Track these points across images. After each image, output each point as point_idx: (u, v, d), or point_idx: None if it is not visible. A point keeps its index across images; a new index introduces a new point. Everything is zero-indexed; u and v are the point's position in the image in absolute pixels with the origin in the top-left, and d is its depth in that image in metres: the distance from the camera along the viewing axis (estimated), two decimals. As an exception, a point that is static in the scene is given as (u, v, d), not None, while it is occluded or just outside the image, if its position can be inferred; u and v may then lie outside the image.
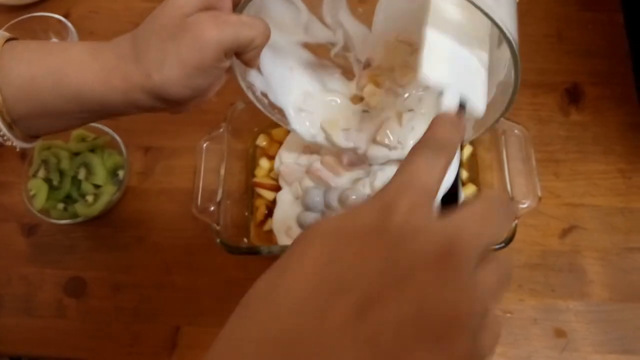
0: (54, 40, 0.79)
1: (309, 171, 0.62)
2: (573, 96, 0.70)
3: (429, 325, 0.24)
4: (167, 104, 0.42)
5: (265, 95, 0.54)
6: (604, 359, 0.58)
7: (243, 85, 0.52)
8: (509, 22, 0.38)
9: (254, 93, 0.53)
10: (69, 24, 0.76)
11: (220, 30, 0.39)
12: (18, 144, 0.41)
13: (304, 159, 0.63)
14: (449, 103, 0.38)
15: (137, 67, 0.40)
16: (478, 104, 0.41)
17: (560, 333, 0.59)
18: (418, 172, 0.28)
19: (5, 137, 0.40)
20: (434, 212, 0.27)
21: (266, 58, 0.51)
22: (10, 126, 0.40)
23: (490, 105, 0.45)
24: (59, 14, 0.77)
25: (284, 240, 0.61)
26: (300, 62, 0.57)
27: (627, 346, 0.58)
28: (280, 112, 0.56)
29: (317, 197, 0.61)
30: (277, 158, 0.65)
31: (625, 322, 0.59)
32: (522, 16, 0.74)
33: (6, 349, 0.65)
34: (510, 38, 0.38)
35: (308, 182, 0.62)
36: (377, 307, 0.24)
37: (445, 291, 0.24)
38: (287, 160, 0.64)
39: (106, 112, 0.43)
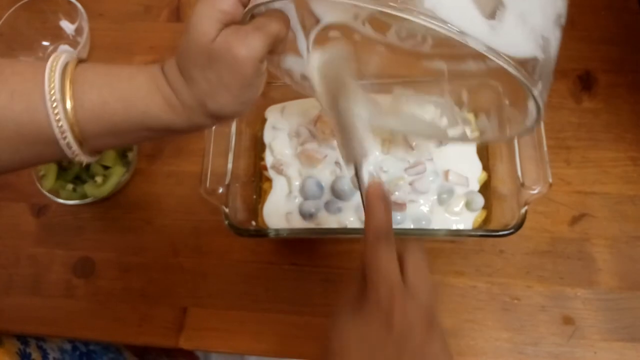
0: (64, 22, 0.79)
1: (300, 154, 0.62)
2: (585, 83, 0.69)
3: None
4: (226, 120, 0.46)
5: (305, 77, 0.53)
6: (611, 347, 0.58)
7: (279, 73, 0.51)
8: (515, 44, 0.35)
9: (292, 78, 0.53)
10: (79, 5, 0.76)
11: (247, 45, 0.39)
12: (85, 159, 0.44)
13: (295, 142, 0.64)
14: (363, 175, 0.47)
15: (192, 98, 0.42)
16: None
17: (567, 320, 0.59)
18: (387, 268, 0.39)
19: (75, 153, 0.43)
20: (406, 295, 0.38)
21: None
22: (80, 143, 0.42)
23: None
24: (68, -5, 0.77)
25: (278, 223, 0.62)
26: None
27: (635, 334, 0.58)
28: None
29: (314, 187, 0.61)
30: (267, 155, 0.65)
31: (633, 311, 0.59)
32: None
33: (15, 328, 0.66)
34: (508, 67, 0.34)
35: (301, 170, 0.63)
36: None
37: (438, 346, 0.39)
38: (277, 149, 0.64)
39: (171, 132, 0.45)
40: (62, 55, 0.43)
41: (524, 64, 0.34)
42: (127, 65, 0.45)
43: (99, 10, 0.81)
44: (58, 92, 0.40)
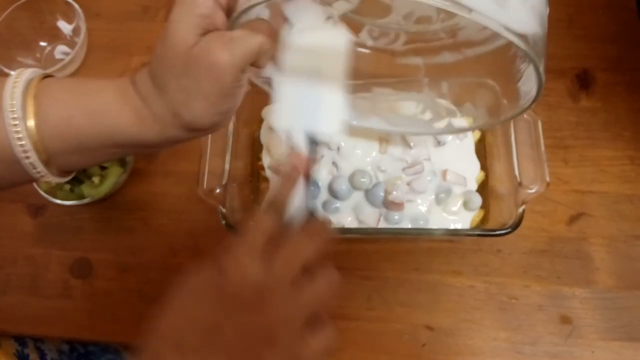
0: (62, 23, 0.79)
1: None
2: (583, 82, 0.69)
3: (255, 338, 0.36)
4: (202, 133, 0.43)
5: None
6: (608, 346, 0.58)
7: (259, 82, 0.51)
8: (520, 20, 0.35)
9: (271, 86, 0.52)
10: (76, 5, 0.76)
11: (229, 51, 0.38)
12: (53, 179, 0.42)
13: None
14: (296, 143, 0.44)
15: (165, 108, 0.40)
16: (327, 127, 0.45)
17: (565, 320, 0.59)
18: (242, 235, 0.38)
19: (41, 173, 0.41)
20: (255, 259, 0.37)
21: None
22: (46, 163, 0.40)
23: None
24: (65, -5, 0.77)
25: None
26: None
27: (632, 334, 0.58)
28: None
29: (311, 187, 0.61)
30: (264, 155, 0.65)
31: (631, 310, 0.59)
32: (533, 0, 0.74)
33: (11, 328, 0.66)
34: (519, 43, 0.34)
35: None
36: (221, 331, 0.36)
37: (262, 315, 0.36)
38: (274, 149, 0.64)
39: (142, 148, 0.43)
40: (27, 71, 0.41)
41: (525, 39, 0.34)
42: (95, 78, 0.43)
43: (96, 10, 0.81)
44: (20, 109, 0.39)
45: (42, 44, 0.80)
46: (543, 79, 0.39)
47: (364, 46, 0.51)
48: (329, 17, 0.48)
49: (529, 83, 0.42)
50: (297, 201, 0.41)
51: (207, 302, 0.37)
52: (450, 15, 0.46)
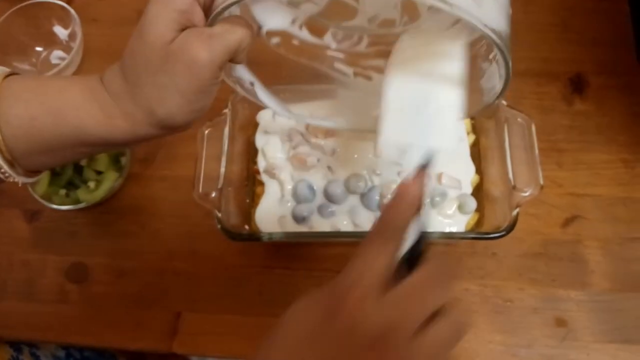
0: (58, 28, 0.79)
1: (292, 158, 0.63)
2: (577, 85, 0.70)
3: None
4: (174, 130, 0.42)
5: (253, 84, 0.53)
6: (604, 348, 0.58)
7: (230, 82, 0.51)
8: (494, 18, 0.36)
9: (242, 86, 0.52)
10: (72, 11, 0.76)
11: (209, 48, 0.37)
12: (20, 180, 0.41)
13: (287, 146, 0.64)
14: (414, 161, 0.39)
15: (137, 106, 0.39)
16: (445, 144, 0.40)
17: (560, 322, 0.59)
18: (366, 265, 0.34)
19: (6, 174, 0.40)
20: (379, 298, 0.33)
21: None
22: (11, 163, 0.40)
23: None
24: (62, 0, 0.77)
25: (271, 227, 0.62)
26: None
27: (628, 336, 0.58)
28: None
29: (306, 190, 0.61)
30: (260, 159, 0.65)
31: (626, 312, 0.59)
32: (527, 4, 0.74)
33: (7, 333, 0.65)
34: (495, 39, 0.35)
35: (293, 174, 0.63)
36: None
37: None
38: (270, 153, 0.65)
39: (111, 146, 0.43)
40: None
41: (499, 35, 0.36)
42: (60, 77, 0.42)
43: (93, 15, 0.81)
44: None
45: (38, 49, 0.80)
46: (510, 73, 0.40)
47: (328, 48, 0.51)
48: (294, 19, 0.49)
49: (492, 80, 0.44)
50: (411, 232, 0.37)
51: (322, 343, 0.34)
52: (413, 18, 0.47)
